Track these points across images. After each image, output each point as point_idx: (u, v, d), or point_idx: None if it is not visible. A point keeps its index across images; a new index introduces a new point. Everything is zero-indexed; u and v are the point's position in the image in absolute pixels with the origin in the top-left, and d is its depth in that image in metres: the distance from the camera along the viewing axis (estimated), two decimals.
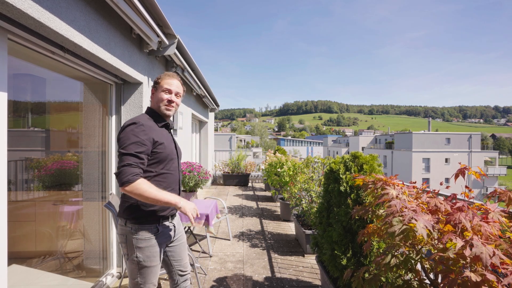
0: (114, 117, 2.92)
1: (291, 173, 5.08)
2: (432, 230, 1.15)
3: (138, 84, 2.97)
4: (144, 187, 1.38)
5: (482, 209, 1.33)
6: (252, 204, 6.62)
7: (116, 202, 2.35)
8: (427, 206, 1.40)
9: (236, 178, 9.31)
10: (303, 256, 3.65)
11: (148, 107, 1.69)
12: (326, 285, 2.47)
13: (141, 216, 1.53)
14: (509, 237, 1.22)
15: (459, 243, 1.03)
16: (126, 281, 2.83)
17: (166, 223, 1.63)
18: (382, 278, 1.65)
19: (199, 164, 5.49)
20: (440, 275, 1.26)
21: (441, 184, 1.70)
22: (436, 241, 1.28)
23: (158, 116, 1.65)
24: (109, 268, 2.91)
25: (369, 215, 1.69)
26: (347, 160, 2.42)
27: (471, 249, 0.99)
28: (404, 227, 1.20)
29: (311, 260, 3.52)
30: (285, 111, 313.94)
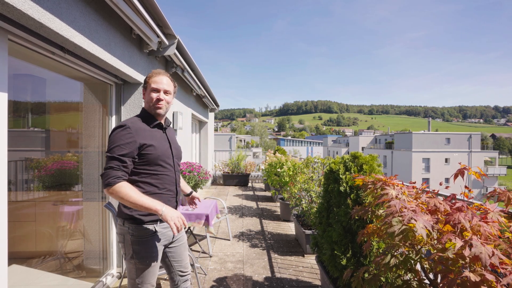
0: (114, 117, 2.92)
1: (291, 173, 5.09)
2: (431, 230, 1.16)
3: (138, 84, 2.98)
4: (124, 191, 1.37)
5: (481, 209, 1.34)
6: (252, 204, 6.62)
7: (115, 202, 2.35)
8: (426, 206, 1.41)
9: (236, 178, 9.31)
10: (303, 256, 3.65)
11: (142, 108, 1.69)
12: (326, 285, 2.47)
13: (137, 217, 1.52)
14: (508, 237, 1.22)
15: (459, 243, 1.03)
16: (126, 281, 2.83)
17: (165, 223, 1.62)
18: (382, 278, 1.65)
19: (199, 164, 5.49)
20: (439, 275, 1.26)
21: (440, 184, 1.71)
22: (435, 241, 1.28)
23: (150, 116, 1.63)
24: (109, 268, 2.92)
25: (369, 215, 1.70)
26: (346, 160, 2.43)
27: (470, 249, 0.99)
28: (404, 227, 1.20)
29: (311, 260, 3.53)
30: (285, 111, 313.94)
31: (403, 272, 1.36)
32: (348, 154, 2.51)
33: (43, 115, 2.91)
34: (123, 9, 2.12)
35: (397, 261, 1.30)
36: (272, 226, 4.91)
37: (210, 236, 4.22)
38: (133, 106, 2.97)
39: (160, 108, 1.61)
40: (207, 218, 3.36)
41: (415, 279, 1.35)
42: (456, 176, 1.37)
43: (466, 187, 1.51)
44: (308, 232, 3.65)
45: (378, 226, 1.64)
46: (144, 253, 1.53)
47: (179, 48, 3.49)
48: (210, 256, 3.58)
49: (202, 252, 3.70)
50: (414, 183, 1.85)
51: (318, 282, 2.94)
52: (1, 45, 1.46)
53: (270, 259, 3.54)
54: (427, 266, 1.41)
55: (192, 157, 7.36)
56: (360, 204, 2.17)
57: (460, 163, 1.50)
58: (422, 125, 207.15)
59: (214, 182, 9.77)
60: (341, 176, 2.33)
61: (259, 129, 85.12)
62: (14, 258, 2.62)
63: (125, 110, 2.96)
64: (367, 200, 2.13)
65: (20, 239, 2.79)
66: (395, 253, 1.37)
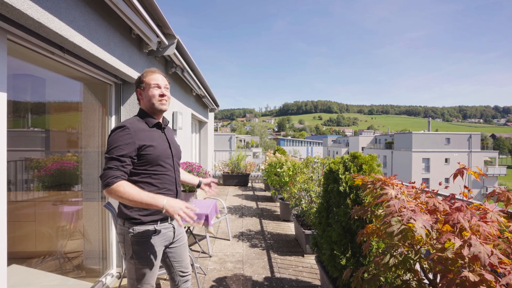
0: (113, 117, 2.92)
1: (290, 173, 5.09)
2: (430, 230, 1.16)
3: None
4: (123, 190, 1.36)
5: (480, 209, 1.34)
6: (252, 204, 6.62)
7: (115, 202, 2.35)
8: (425, 206, 1.41)
9: (236, 178, 9.31)
10: (303, 256, 3.65)
11: (139, 109, 1.66)
12: (325, 285, 2.47)
13: (138, 217, 1.52)
14: (507, 237, 1.22)
15: (458, 242, 1.03)
16: (125, 281, 2.83)
17: (166, 224, 1.61)
18: (381, 278, 1.65)
19: (198, 164, 5.49)
20: (438, 275, 1.26)
21: (440, 184, 1.71)
22: (434, 241, 1.28)
23: (149, 116, 1.62)
24: (109, 268, 2.92)
25: (368, 215, 1.70)
26: (346, 160, 2.43)
27: (469, 249, 0.99)
28: (403, 227, 1.20)
29: (310, 260, 3.53)
30: (285, 111, 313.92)
31: (402, 272, 1.36)
32: (348, 154, 2.51)
33: (42, 115, 2.91)
34: (123, 9, 2.12)
35: (396, 261, 1.30)
36: (272, 226, 4.91)
37: (210, 236, 4.22)
38: (133, 106, 2.97)
39: (164, 104, 1.61)
40: (206, 218, 3.36)
41: (415, 279, 1.35)
42: (455, 176, 1.37)
43: (465, 187, 1.51)
44: (307, 232, 3.65)
45: (378, 226, 1.64)
46: (144, 253, 1.53)
47: (179, 48, 3.49)
48: (210, 256, 3.58)
49: (201, 252, 3.69)
50: (414, 183, 1.85)
51: (318, 282, 2.94)
52: (0, 45, 1.46)
53: (269, 259, 3.54)
54: (426, 266, 1.41)
55: (192, 157, 7.36)
56: (359, 204, 2.17)
57: (459, 163, 1.50)
58: (422, 125, 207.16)
59: None
60: (340, 176, 2.33)
61: (259, 129, 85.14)
62: (14, 258, 2.62)
63: (124, 110, 2.96)
64: (366, 200, 2.13)
65: (20, 239, 2.79)
66: (394, 253, 1.37)
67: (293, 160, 5.48)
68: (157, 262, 1.60)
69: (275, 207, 6.38)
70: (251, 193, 8.11)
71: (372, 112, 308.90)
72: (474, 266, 1.03)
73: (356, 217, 2.11)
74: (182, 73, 4.16)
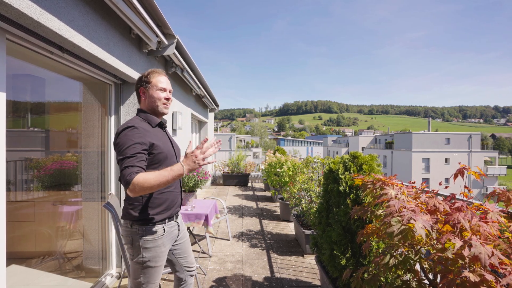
0: (113, 117, 2.92)
1: (290, 173, 5.08)
2: (430, 230, 1.15)
3: None
4: (143, 180, 1.30)
5: (481, 209, 1.33)
6: (252, 204, 6.62)
7: (115, 202, 2.35)
8: (426, 206, 1.40)
9: (235, 178, 9.30)
10: (303, 256, 3.65)
11: (138, 109, 1.65)
12: (325, 285, 2.46)
13: (147, 218, 1.52)
14: (508, 237, 1.22)
15: (458, 243, 1.03)
16: (125, 281, 2.83)
17: (172, 222, 1.64)
18: (381, 278, 1.65)
19: None
20: (438, 275, 1.26)
21: (440, 184, 1.71)
22: (434, 241, 1.28)
23: (151, 116, 1.61)
24: (109, 268, 2.91)
25: (368, 215, 1.69)
26: (346, 160, 2.42)
27: (469, 249, 0.99)
28: (403, 227, 1.20)
29: (310, 260, 3.52)
30: (285, 111, 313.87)
31: (402, 272, 1.35)
32: (348, 154, 2.51)
33: (42, 115, 2.90)
34: (122, 9, 2.12)
35: (397, 261, 1.30)
36: (271, 226, 4.90)
37: (210, 236, 4.22)
38: (132, 106, 2.97)
39: (167, 108, 1.64)
40: (206, 218, 3.36)
41: (415, 279, 1.35)
42: (455, 176, 1.36)
43: (465, 187, 1.50)
44: (307, 232, 3.65)
45: (378, 226, 1.63)
46: (154, 253, 1.53)
47: (179, 48, 3.49)
48: (210, 256, 3.57)
49: (201, 252, 3.69)
50: (414, 183, 1.84)
51: (318, 282, 2.93)
52: (0, 45, 1.45)
53: (269, 259, 3.53)
54: (427, 266, 1.40)
55: None
56: (359, 204, 2.17)
57: (459, 163, 1.49)
58: (422, 125, 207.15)
59: (214, 182, 9.77)
60: (340, 176, 2.33)
61: (259, 129, 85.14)
62: (14, 258, 2.61)
63: (124, 110, 2.95)
64: (366, 200, 2.12)
65: (19, 239, 2.78)
66: (395, 253, 1.37)
67: (293, 160, 5.48)
68: (164, 261, 1.61)
69: (275, 207, 6.37)
70: (251, 193, 8.11)
71: (372, 112, 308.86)
72: (474, 267, 1.03)
73: (356, 217, 2.10)
74: (182, 73, 4.15)
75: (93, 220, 2.92)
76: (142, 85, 1.62)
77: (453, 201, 1.35)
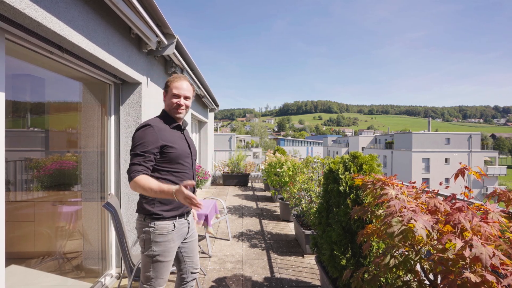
0: (113, 117, 2.91)
1: (290, 173, 5.08)
2: (431, 231, 1.15)
3: (137, 84, 2.97)
4: (143, 182, 1.44)
5: (481, 209, 1.33)
6: (252, 204, 6.61)
7: (115, 202, 2.34)
8: (426, 207, 1.40)
9: (235, 178, 9.30)
10: (303, 256, 3.65)
11: (162, 110, 1.78)
12: (325, 286, 2.46)
13: (159, 213, 1.61)
14: (508, 238, 1.21)
15: (459, 243, 1.02)
16: (125, 281, 2.82)
17: (182, 219, 1.71)
18: (382, 279, 1.64)
19: (198, 164, 5.48)
20: (439, 276, 1.25)
21: (440, 184, 1.70)
22: (435, 241, 1.28)
23: (170, 118, 1.73)
24: (108, 269, 2.91)
25: (368, 216, 1.69)
26: (346, 160, 2.42)
27: (470, 250, 0.98)
28: (403, 227, 1.19)
29: (310, 260, 3.52)
30: (285, 111, 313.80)
31: (402, 272, 1.35)
32: (348, 154, 2.51)
33: (41, 115, 2.90)
34: (122, 9, 2.11)
35: (397, 262, 1.30)
36: (271, 226, 4.90)
37: (210, 236, 4.21)
38: (132, 106, 2.96)
39: (180, 113, 1.73)
40: (206, 218, 3.35)
41: (415, 279, 1.34)
42: (456, 176, 1.36)
43: (466, 187, 1.50)
44: (307, 232, 3.64)
45: (378, 226, 1.63)
46: (163, 247, 1.61)
47: (178, 47, 3.48)
48: (210, 257, 3.57)
49: (201, 252, 3.68)
50: (414, 183, 1.84)
51: (318, 283, 2.93)
52: None
53: (269, 259, 3.53)
54: (427, 266, 1.40)
55: None
56: (359, 204, 2.16)
57: (460, 163, 1.49)
58: (422, 125, 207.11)
59: (214, 182, 9.76)
60: (340, 176, 2.32)
61: (259, 129, 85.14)
62: (13, 258, 2.60)
63: (124, 110, 2.95)
64: (366, 200, 2.12)
65: (19, 239, 2.78)
66: (395, 254, 1.36)
67: (293, 160, 5.47)
68: (173, 257, 1.68)
69: (275, 207, 6.37)
70: (251, 193, 8.10)
71: (372, 112, 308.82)
72: (475, 267, 1.02)
73: (356, 217, 2.10)
74: (182, 72, 4.15)
75: (92, 220, 2.91)
76: (164, 89, 1.76)
77: (453, 201, 1.35)
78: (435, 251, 1.22)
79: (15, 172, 2.60)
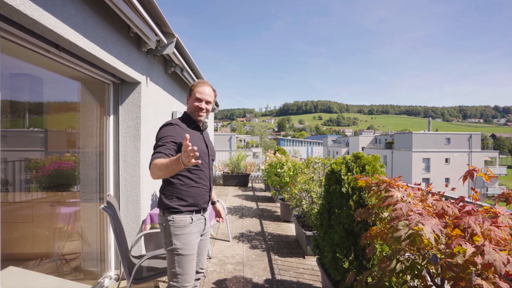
0: (112, 117, 2.87)
1: (291, 173, 5.04)
2: (440, 235, 1.11)
3: (136, 83, 2.93)
4: (157, 163, 1.46)
5: (490, 212, 1.29)
6: (252, 204, 6.57)
7: (113, 203, 2.31)
8: (433, 209, 1.36)
9: (235, 178, 9.26)
10: (304, 257, 3.61)
11: (184, 112, 1.91)
12: None
13: (176, 207, 1.68)
14: None
15: (469, 249, 0.98)
16: (124, 283, 2.78)
17: (199, 215, 1.79)
18: (386, 283, 1.60)
19: None
20: (446, 282, 1.21)
21: (446, 186, 1.66)
22: (443, 245, 1.24)
23: (191, 120, 1.86)
24: (107, 270, 2.87)
25: (373, 218, 1.65)
26: (348, 161, 2.38)
27: (482, 256, 0.94)
28: (411, 231, 1.15)
29: (311, 261, 3.48)
30: (285, 111, 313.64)
31: (409, 278, 1.31)
32: (348, 154, 2.47)
33: (40, 115, 2.86)
34: (121, 7, 2.07)
35: (404, 267, 1.25)
36: (272, 227, 4.86)
37: (210, 237, 4.17)
38: (131, 105, 2.92)
39: (201, 116, 1.86)
40: None
41: (422, 284, 1.30)
42: (465, 178, 1.32)
43: (472, 188, 1.46)
44: (308, 233, 3.60)
45: (382, 228, 1.59)
46: (183, 240, 1.67)
47: (178, 47, 3.44)
48: (209, 258, 3.53)
49: None
50: (419, 184, 1.80)
51: (319, 285, 2.89)
52: None
53: (270, 260, 3.49)
54: (433, 271, 1.36)
55: None
56: (362, 205, 2.12)
57: (468, 165, 1.45)
58: (422, 125, 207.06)
59: (214, 182, 9.73)
60: (343, 177, 2.28)
61: (259, 129, 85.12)
62: (11, 260, 2.56)
63: (123, 110, 2.91)
64: (369, 201, 2.08)
65: (16, 240, 2.74)
66: (401, 258, 1.32)
67: (293, 160, 5.43)
68: (195, 251, 1.73)
69: (276, 207, 6.33)
70: (251, 193, 8.06)
71: (372, 112, 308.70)
72: (487, 273, 0.98)
73: (359, 220, 2.06)
74: (182, 72, 4.11)
75: (91, 222, 2.87)
76: (188, 92, 1.89)
77: (462, 204, 1.31)
78: (443, 256, 1.18)
79: (14, 172, 2.56)
